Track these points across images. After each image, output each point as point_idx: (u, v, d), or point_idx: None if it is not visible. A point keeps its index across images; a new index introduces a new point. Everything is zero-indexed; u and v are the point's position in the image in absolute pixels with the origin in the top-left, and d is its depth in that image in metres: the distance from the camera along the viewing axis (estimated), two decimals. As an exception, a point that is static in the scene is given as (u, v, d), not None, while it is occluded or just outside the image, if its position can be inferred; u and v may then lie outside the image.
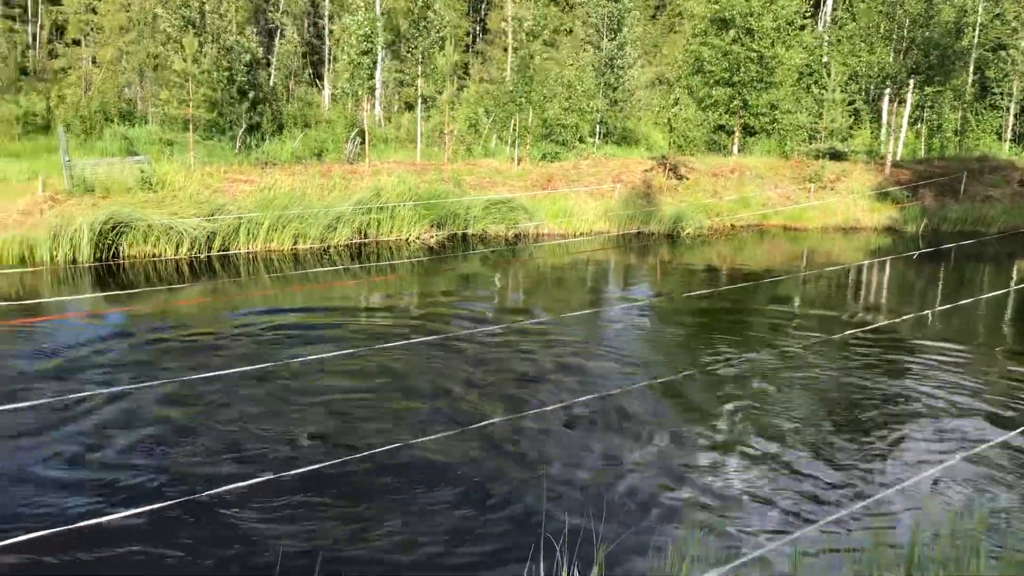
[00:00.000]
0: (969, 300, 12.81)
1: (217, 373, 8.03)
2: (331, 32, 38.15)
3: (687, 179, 21.74)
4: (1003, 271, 17.03)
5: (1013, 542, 5.54)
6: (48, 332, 9.91)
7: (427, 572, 5.09)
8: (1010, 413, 7.94)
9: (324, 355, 8.79)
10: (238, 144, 24.28)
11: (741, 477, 6.46)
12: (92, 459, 6.45)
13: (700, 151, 25.11)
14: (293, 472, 6.01)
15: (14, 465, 6.31)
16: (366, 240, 16.61)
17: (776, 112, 25.87)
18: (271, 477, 6.08)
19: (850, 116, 27.72)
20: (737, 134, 25.64)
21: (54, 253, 13.46)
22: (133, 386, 7.80)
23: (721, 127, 25.86)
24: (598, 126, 27.43)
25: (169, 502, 5.54)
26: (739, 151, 25.62)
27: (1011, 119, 31.32)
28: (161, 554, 5.16)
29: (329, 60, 38.65)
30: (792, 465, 6.68)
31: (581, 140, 25.53)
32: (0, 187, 15.98)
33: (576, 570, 4.63)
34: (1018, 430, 7.19)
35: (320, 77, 39.16)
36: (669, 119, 24.53)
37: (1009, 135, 31.53)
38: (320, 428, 7.20)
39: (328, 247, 16.01)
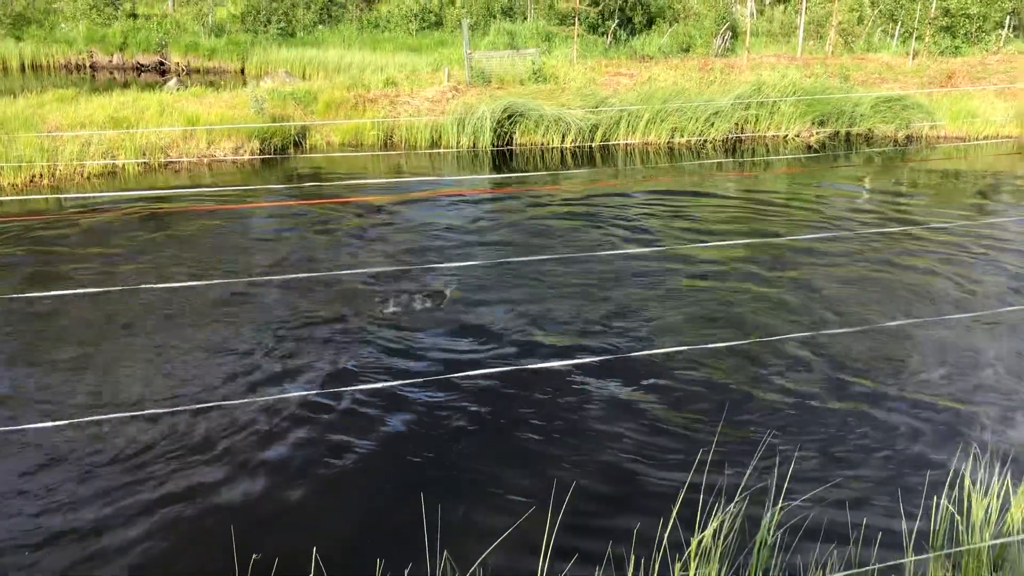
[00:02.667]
0: None
1: (618, 252, 8.44)
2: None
3: None
4: None
5: None
6: (451, 206, 11.02)
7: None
8: None
9: (692, 245, 8.88)
10: (609, 39, 24.67)
11: None
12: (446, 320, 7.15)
13: None
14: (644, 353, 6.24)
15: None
16: (743, 136, 16.23)
17: None
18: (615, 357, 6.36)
19: None
20: None
21: (459, 138, 14.76)
22: (507, 260, 8.47)
23: None
24: (1009, 17, 24.05)
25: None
26: None
27: None
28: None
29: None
30: None
31: (986, 33, 22.62)
32: (411, 78, 17.70)
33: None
34: None
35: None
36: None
37: None
38: (673, 313, 7.34)
39: (704, 141, 15.89)
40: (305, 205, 10.82)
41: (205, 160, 13.37)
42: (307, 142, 14.63)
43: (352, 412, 5.56)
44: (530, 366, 6.09)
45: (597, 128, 15.40)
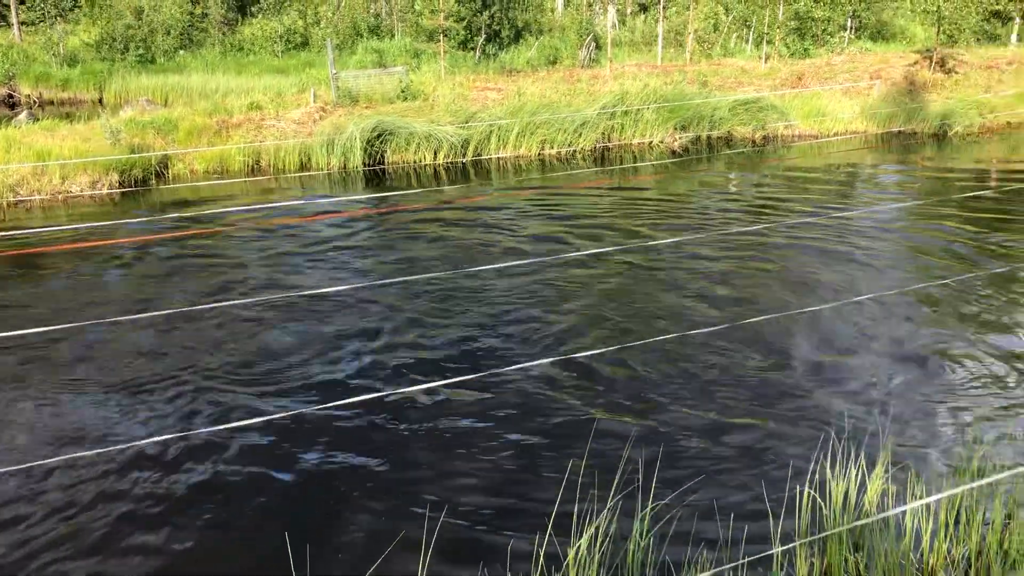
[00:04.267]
0: None
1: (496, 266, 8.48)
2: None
3: (956, 73, 19.87)
4: None
5: None
6: (321, 228, 10.85)
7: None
8: None
9: (578, 253, 9.03)
10: (478, 54, 24.85)
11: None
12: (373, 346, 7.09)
13: (970, 43, 22.78)
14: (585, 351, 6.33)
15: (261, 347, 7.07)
16: (610, 144, 16.62)
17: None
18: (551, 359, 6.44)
19: None
20: (1017, 21, 22.96)
21: (329, 159, 14.56)
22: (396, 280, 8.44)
23: (996, 14, 23.24)
24: (850, 20, 25.52)
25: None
26: (1018, 41, 22.96)
27: None
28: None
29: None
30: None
31: (831, 35, 23.93)
32: (276, 100, 17.36)
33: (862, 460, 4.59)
34: None
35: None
36: (938, 6, 22.29)
37: None
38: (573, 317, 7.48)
39: (574, 151, 16.18)
40: (168, 237, 10.44)
41: (60, 196, 12.74)
42: (169, 172, 14.14)
43: (213, 451, 5.36)
44: (401, 389, 6.04)
45: (468, 143, 15.47)
